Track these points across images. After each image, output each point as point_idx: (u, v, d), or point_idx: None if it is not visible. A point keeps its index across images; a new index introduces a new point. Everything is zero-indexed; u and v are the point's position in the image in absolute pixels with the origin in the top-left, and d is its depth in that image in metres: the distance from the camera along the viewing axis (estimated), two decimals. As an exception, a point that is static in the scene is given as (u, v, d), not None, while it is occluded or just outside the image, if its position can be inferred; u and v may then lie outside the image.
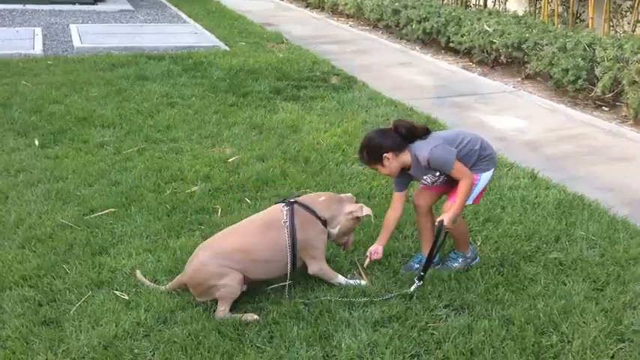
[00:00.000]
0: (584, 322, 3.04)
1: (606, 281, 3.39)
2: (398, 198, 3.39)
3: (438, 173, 3.23)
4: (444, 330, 2.96)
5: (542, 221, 4.02)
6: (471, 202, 3.37)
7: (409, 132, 3.19)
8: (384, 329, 2.97)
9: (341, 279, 3.31)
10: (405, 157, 3.21)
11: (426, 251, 3.40)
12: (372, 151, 3.20)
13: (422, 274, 3.25)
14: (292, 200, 3.25)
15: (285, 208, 3.18)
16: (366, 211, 3.30)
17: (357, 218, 3.32)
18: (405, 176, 3.33)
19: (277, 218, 3.16)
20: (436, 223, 3.24)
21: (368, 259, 3.39)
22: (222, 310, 3.03)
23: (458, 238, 3.47)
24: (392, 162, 3.19)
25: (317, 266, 3.23)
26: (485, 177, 3.34)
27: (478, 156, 3.29)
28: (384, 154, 3.17)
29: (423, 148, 3.16)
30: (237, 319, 2.98)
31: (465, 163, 3.21)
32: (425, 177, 3.28)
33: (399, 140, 3.18)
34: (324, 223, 3.25)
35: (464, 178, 3.18)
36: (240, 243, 3.11)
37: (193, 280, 3.07)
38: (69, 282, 3.27)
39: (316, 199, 3.30)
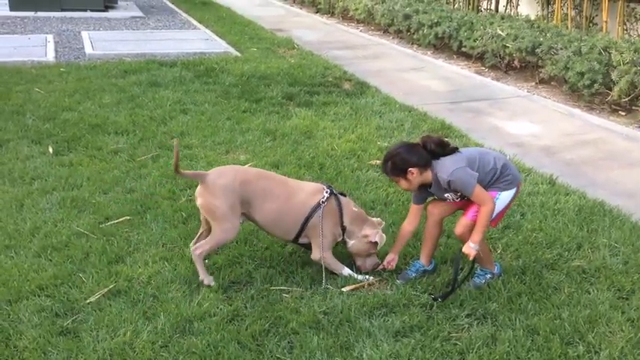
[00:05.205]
0: (610, 332, 2.98)
1: (631, 289, 3.33)
2: (415, 211, 3.39)
3: (459, 193, 3.19)
4: (467, 340, 2.91)
5: (563, 228, 3.96)
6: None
7: (438, 147, 3.15)
8: (405, 339, 2.91)
9: (346, 271, 3.40)
10: (428, 175, 3.18)
11: (424, 259, 3.46)
12: (397, 165, 3.17)
13: (439, 300, 3.18)
14: (334, 191, 3.40)
15: (327, 191, 3.35)
16: (379, 238, 3.38)
17: (372, 243, 3.38)
18: (424, 191, 3.31)
19: (316, 190, 3.35)
20: (455, 253, 3.13)
21: (382, 266, 3.45)
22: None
23: (482, 258, 3.38)
24: (415, 178, 3.17)
25: (319, 254, 3.33)
26: (505, 196, 3.22)
27: (500, 174, 3.20)
28: (410, 169, 3.14)
29: (444, 169, 3.12)
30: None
31: (482, 179, 3.14)
32: (446, 195, 3.25)
33: (426, 157, 3.15)
34: (343, 228, 3.37)
35: (485, 204, 3.11)
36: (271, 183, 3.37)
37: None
38: (86, 291, 3.24)
39: (350, 205, 3.42)
